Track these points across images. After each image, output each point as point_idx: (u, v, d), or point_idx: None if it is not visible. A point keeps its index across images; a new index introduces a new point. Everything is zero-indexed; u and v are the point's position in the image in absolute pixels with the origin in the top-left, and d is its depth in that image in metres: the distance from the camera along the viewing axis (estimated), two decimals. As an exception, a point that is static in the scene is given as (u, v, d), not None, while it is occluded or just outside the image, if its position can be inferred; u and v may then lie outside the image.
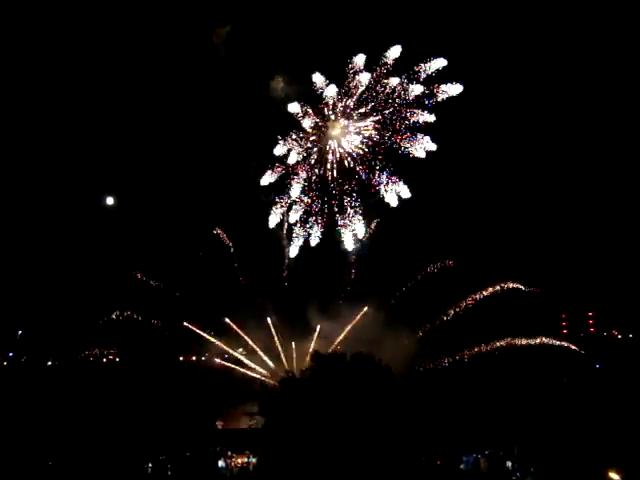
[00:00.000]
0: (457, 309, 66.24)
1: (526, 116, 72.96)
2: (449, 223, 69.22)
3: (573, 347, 66.32)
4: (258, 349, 64.51)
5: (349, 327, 64.67)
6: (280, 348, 64.89)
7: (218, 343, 64.24)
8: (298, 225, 63.34)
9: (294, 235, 63.62)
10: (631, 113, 71.47)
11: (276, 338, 64.90)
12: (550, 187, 73.37)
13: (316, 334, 64.49)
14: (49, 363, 70.32)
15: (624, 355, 69.34)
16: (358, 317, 64.64)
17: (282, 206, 62.94)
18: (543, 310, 69.71)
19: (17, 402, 58.20)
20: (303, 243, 63.67)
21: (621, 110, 72.44)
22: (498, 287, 65.60)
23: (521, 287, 66.31)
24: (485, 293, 65.84)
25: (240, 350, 65.48)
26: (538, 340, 65.75)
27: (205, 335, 63.84)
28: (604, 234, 71.89)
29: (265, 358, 64.39)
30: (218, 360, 64.66)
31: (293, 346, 64.73)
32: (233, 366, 64.28)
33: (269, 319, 64.91)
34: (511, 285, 65.72)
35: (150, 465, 55.32)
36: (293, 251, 63.80)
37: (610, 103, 72.70)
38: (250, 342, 64.02)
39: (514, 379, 61.48)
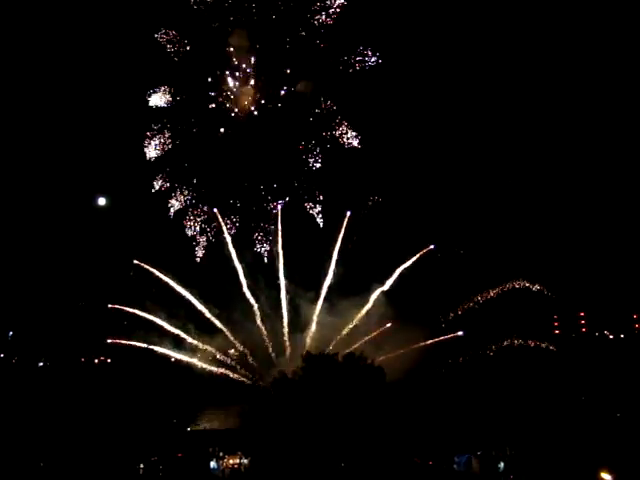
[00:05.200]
0: (452, 313, 66.66)
1: (529, 115, 73.24)
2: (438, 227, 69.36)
3: (564, 347, 66.69)
4: (249, 348, 64.50)
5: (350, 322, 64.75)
6: (271, 345, 64.87)
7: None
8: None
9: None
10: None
11: (267, 335, 64.92)
12: (541, 188, 73.65)
13: (312, 329, 64.53)
14: (40, 364, 69.97)
15: (616, 355, 69.58)
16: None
17: None
18: (535, 310, 69.90)
19: (7, 403, 57.91)
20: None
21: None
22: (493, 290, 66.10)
23: (515, 287, 66.78)
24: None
25: (232, 351, 65.35)
26: (530, 340, 66.11)
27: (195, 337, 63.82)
28: (594, 235, 72.16)
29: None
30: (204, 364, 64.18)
31: (287, 344, 64.67)
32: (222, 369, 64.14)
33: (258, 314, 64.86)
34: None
35: (141, 466, 55.13)
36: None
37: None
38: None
39: (507, 379, 61.62)
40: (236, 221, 69.67)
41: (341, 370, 49.60)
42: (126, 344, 63.20)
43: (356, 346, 61.44)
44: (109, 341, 63.63)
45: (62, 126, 72.53)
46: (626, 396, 57.22)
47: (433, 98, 71.15)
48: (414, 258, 65.78)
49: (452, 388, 59.67)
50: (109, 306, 64.00)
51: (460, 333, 64.34)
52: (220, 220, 67.87)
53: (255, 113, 70.44)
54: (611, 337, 74.46)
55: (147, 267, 64.32)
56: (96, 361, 69.89)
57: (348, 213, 67.32)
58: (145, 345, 62.27)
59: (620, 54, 71.58)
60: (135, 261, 64.87)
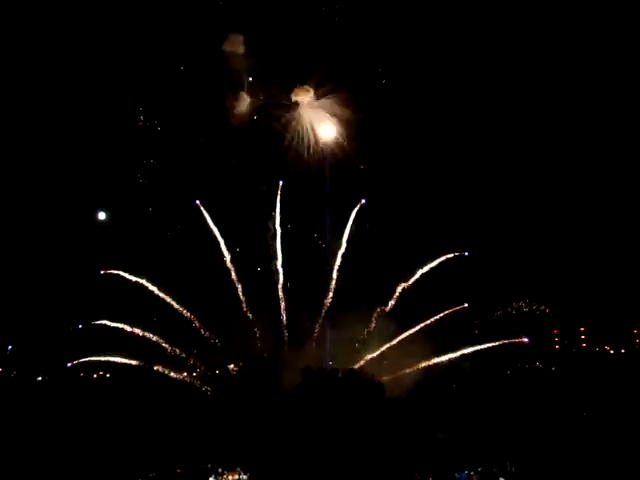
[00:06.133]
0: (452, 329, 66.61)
1: (534, 129, 73.55)
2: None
3: (565, 363, 66.60)
4: (248, 363, 64.35)
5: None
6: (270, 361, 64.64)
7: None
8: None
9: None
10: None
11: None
12: (540, 201, 73.85)
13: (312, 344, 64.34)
14: (39, 378, 69.76)
15: (616, 371, 69.38)
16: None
17: None
18: (534, 326, 69.89)
19: (6, 418, 57.71)
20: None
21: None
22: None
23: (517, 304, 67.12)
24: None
25: (231, 367, 65.23)
26: (530, 355, 66.05)
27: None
28: (594, 249, 72.24)
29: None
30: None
31: (286, 359, 64.48)
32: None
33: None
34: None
35: (140, 482, 54.91)
36: None
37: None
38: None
39: (507, 395, 61.48)
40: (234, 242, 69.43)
41: (340, 386, 49.58)
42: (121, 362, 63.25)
43: (362, 363, 61.41)
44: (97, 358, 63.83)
45: (64, 137, 73.07)
46: (627, 412, 57.02)
47: (434, 115, 71.69)
48: (415, 276, 65.67)
49: (453, 404, 59.50)
50: (106, 323, 64.00)
51: (526, 340, 63.51)
52: (205, 213, 67.21)
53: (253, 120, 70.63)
54: (612, 352, 74.24)
55: (143, 281, 64.33)
56: (95, 376, 69.54)
57: (363, 200, 66.27)
58: (142, 362, 62.26)
59: (620, 54, 71.67)
60: (102, 271, 64.96)
